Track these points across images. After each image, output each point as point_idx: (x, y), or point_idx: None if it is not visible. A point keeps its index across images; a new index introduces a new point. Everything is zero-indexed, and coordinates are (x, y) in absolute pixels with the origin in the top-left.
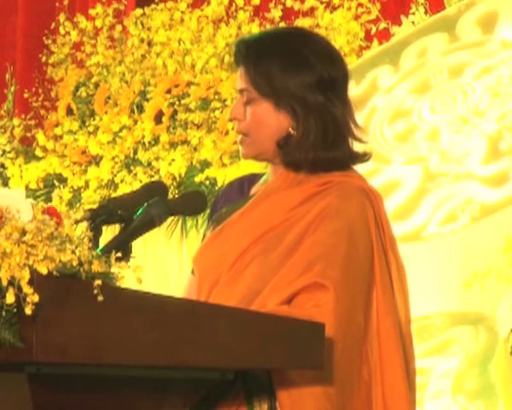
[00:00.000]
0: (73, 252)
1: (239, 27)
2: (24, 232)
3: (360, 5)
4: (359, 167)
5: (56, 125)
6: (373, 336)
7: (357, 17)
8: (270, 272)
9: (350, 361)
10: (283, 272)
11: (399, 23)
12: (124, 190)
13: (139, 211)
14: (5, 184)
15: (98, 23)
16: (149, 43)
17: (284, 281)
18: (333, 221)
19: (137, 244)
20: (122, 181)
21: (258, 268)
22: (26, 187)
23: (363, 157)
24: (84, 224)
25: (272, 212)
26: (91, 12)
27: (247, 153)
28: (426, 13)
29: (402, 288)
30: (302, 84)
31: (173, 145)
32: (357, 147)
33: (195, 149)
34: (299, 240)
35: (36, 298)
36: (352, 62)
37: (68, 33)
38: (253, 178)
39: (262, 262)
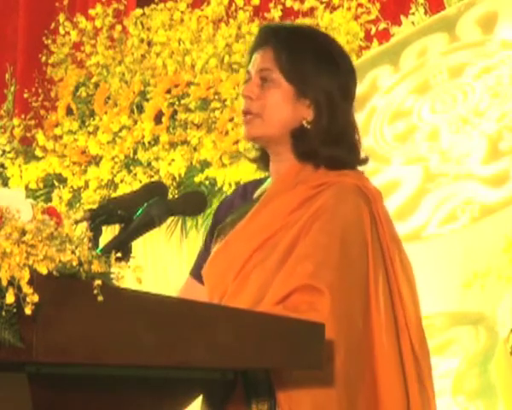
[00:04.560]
0: (73, 252)
1: (239, 27)
2: (24, 232)
3: (360, 5)
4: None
5: (56, 125)
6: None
7: (356, 17)
8: (269, 278)
9: (353, 364)
10: (279, 276)
11: (399, 23)
12: (124, 190)
13: (139, 211)
14: (5, 184)
15: (98, 23)
16: (149, 44)
17: (279, 285)
18: (326, 222)
19: (137, 244)
20: (122, 181)
21: (260, 276)
22: (26, 187)
23: (364, 161)
24: (84, 224)
25: (272, 218)
26: (91, 12)
27: (254, 132)
28: (426, 13)
29: (409, 286)
30: (330, 82)
31: (173, 145)
32: None
33: (195, 149)
34: (293, 244)
35: (36, 298)
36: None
37: (68, 33)
38: (256, 183)
39: (262, 270)
